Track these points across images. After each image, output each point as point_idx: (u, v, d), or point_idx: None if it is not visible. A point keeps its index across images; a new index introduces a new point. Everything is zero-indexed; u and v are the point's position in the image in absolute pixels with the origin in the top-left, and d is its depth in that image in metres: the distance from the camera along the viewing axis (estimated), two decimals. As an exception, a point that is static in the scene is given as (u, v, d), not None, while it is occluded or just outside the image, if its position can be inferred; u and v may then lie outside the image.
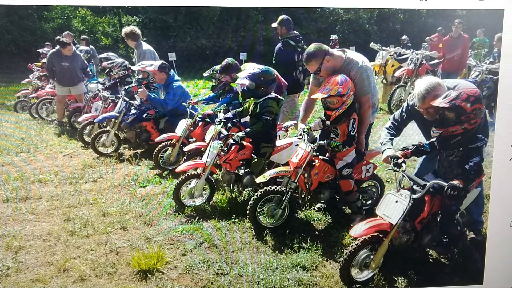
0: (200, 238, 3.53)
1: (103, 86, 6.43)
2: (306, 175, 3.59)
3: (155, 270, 3.12)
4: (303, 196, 3.73)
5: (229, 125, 4.47)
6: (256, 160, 4.03)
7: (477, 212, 3.39)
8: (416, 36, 12.28)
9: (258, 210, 3.56)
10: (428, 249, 3.29)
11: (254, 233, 3.59)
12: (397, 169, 2.88)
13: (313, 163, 3.55)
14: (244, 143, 3.98)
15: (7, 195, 4.39)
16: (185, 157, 4.65)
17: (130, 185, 4.68)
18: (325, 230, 3.68)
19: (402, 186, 2.95)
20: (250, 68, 4.01)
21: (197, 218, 3.84)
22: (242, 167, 4.07)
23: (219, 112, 4.37)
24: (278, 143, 4.17)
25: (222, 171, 4.18)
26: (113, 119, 5.65)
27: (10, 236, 3.60)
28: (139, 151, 5.80)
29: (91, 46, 8.43)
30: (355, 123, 3.50)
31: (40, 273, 3.10)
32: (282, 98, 4.31)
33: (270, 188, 3.54)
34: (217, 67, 5.02)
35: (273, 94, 4.00)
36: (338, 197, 3.77)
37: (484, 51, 9.26)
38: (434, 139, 2.95)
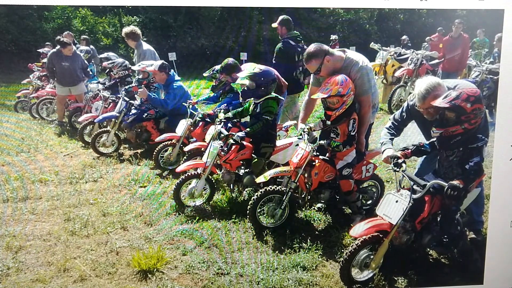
0: (200, 238, 3.53)
1: (103, 86, 6.43)
2: (306, 175, 3.59)
3: (155, 270, 3.12)
4: (303, 196, 3.73)
5: (229, 125, 4.48)
6: (256, 160, 4.03)
7: (477, 212, 3.39)
8: (416, 36, 12.27)
9: (258, 210, 3.56)
10: (428, 249, 3.29)
11: (254, 233, 3.59)
12: (397, 169, 2.88)
13: (313, 163, 3.55)
14: (244, 143, 3.99)
15: (7, 195, 4.39)
16: (185, 157, 4.66)
17: (130, 185, 4.69)
18: (325, 230, 3.68)
19: (402, 186, 2.95)
20: (250, 68, 4.01)
21: (197, 218, 3.84)
22: (242, 167, 4.07)
23: (219, 112, 4.37)
24: (278, 143, 4.17)
25: (222, 171, 4.18)
26: (113, 119, 5.65)
27: (10, 236, 3.60)
28: (139, 151, 5.80)
29: (91, 46, 8.42)
30: (355, 123, 3.50)
31: (40, 273, 3.10)
32: (282, 98, 4.31)
33: (270, 188, 3.54)
34: (218, 67, 5.02)
35: (273, 94, 4.00)
36: (338, 197, 3.77)
37: (484, 51, 9.25)
38: (434, 139, 2.95)
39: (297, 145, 3.93)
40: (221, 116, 4.15)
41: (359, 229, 2.83)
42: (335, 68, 3.57)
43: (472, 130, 2.74)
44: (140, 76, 5.96)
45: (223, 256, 3.32)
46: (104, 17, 12.87)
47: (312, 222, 3.80)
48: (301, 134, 3.68)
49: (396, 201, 2.84)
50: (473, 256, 3.13)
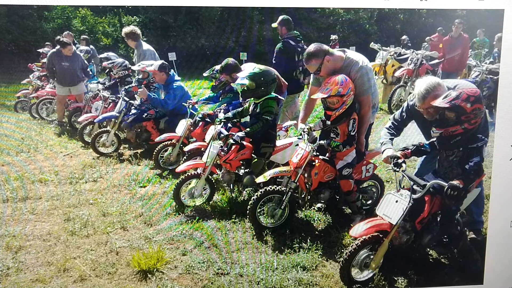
0: (200, 238, 3.53)
1: (103, 86, 6.44)
2: (306, 175, 3.59)
3: (155, 270, 3.12)
4: (303, 196, 3.73)
5: (229, 125, 4.48)
6: (256, 160, 4.03)
7: (477, 212, 3.39)
8: (416, 36, 12.27)
9: (258, 210, 3.56)
10: (428, 249, 3.29)
11: (254, 233, 3.59)
12: (397, 169, 2.88)
13: (313, 163, 3.55)
14: (244, 143, 3.98)
15: (7, 195, 4.39)
16: (185, 157, 4.66)
17: (130, 185, 4.69)
18: (325, 230, 3.68)
19: (402, 186, 2.95)
20: (250, 68, 4.01)
21: (197, 218, 3.84)
22: (242, 167, 4.07)
23: (219, 112, 4.37)
24: (278, 143, 4.17)
25: (222, 171, 4.18)
26: (113, 119, 5.65)
27: (10, 236, 3.60)
28: (139, 151, 5.80)
29: (91, 46, 8.43)
30: (355, 123, 3.50)
31: (40, 273, 3.10)
32: (282, 98, 4.31)
33: (270, 188, 3.54)
34: (217, 67, 5.02)
35: (273, 94, 4.00)
36: (338, 197, 3.76)
37: (484, 51, 9.25)
38: (434, 139, 2.95)
39: (297, 145, 3.93)
40: (221, 116, 4.15)
41: (359, 229, 2.83)
42: (335, 68, 3.57)
43: (472, 130, 2.73)
44: (140, 76, 5.96)
45: (223, 256, 3.32)
46: (104, 17, 12.88)
47: (312, 222, 3.80)
48: (301, 134, 3.68)
49: (396, 201, 2.84)
50: (473, 256, 3.13)
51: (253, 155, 4.05)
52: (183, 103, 5.17)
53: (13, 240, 3.53)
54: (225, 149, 4.00)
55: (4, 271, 3.13)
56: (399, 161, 2.89)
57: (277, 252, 3.35)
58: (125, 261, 3.25)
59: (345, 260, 2.85)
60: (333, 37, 10.86)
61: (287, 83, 4.90)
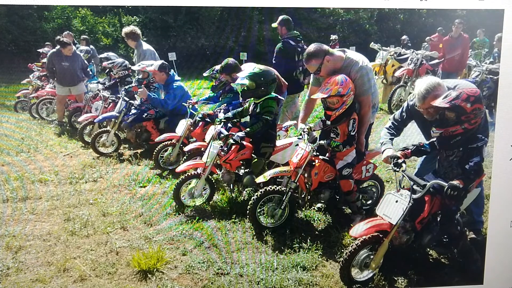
0: (200, 238, 3.53)
1: (103, 86, 6.44)
2: (306, 175, 3.59)
3: (155, 270, 3.12)
4: (303, 196, 3.73)
5: (229, 125, 4.48)
6: (256, 160, 4.03)
7: (477, 212, 3.39)
8: (416, 36, 12.27)
9: (258, 210, 3.56)
10: (428, 249, 3.29)
11: (254, 233, 3.59)
12: (397, 169, 2.88)
13: (313, 163, 3.55)
14: (244, 143, 3.98)
15: (7, 195, 4.39)
16: (185, 157, 4.66)
17: (130, 185, 4.69)
18: (325, 230, 3.68)
19: (402, 186, 2.95)
20: (250, 68, 4.01)
21: (197, 218, 3.84)
22: (242, 167, 4.07)
23: (219, 112, 4.37)
24: (278, 143, 4.17)
25: (222, 171, 4.18)
26: (113, 119, 5.65)
27: (10, 236, 3.60)
28: (139, 151, 5.80)
29: (91, 46, 8.43)
30: (355, 123, 3.50)
31: (40, 273, 3.10)
32: (282, 98, 4.31)
33: (270, 188, 3.54)
34: (217, 67, 5.02)
35: (273, 94, 4.00)
36: (338, 197, 3.77)
37: (484, 51, 9.25)
38: (434, 139, 2.95)
39: (297, 145, 3.93)
40: (221, 116, 4.15)
41: (359, 229, 2.83)
42: (335, 68, 3.57)
43: (472, 130, 2.74)
44: (140, 76, 5.96)
45: (223, 256, 3.32)
46: (104, 17, 12.88)
47: (312, 222, 3.80)
48: (301, 134, 3.68)
49: (396, 201, 2.84)
50: (473, 256, 3.13)
51: (253, 155, 4.05)
52: (183, 103, 5.17)
53: (13, 240, 3.53)
54: (225, 149, 4.00)
55: (4, 271, 3.13)
56: (399, 161, 2.89)
57: (277, 252, 3.35)
58: (125, 261, 3.25)
59: (345, 260, 2.85)
60: (333, 37, 10.86)
61: (287, 83, 4.90)
